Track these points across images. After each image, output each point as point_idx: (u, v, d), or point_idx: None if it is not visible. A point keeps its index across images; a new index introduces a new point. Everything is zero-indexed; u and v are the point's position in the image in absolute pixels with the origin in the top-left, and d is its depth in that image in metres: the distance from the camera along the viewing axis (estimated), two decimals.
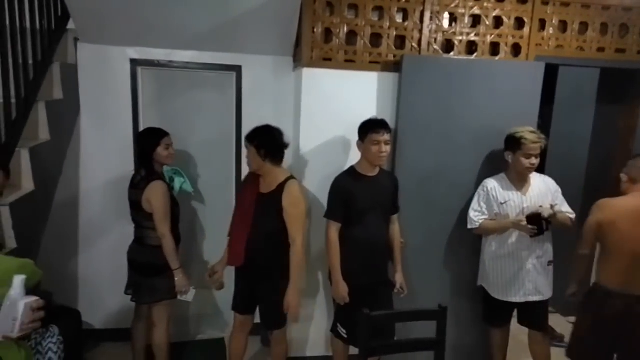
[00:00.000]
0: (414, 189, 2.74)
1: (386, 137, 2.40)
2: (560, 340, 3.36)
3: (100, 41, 2.84)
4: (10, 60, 2.19)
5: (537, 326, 2.68)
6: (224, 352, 3.09)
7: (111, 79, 2.92)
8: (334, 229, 2.47)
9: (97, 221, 3.06)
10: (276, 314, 2.51)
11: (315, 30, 2.70)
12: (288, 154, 3.14)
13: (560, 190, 2.62)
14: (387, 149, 2.42)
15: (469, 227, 2.63)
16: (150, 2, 2.59)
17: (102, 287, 3.10)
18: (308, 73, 2.74)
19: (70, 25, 2.83)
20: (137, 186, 2.51)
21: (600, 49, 3.04)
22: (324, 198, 2.56)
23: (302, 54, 2.74)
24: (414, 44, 2.82)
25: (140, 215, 2.52)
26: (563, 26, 3.00)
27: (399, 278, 2.63)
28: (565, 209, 2.58)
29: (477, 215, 2.61)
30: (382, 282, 2.57)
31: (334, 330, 2.63)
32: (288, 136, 3.10)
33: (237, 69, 3.07)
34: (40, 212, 2.59)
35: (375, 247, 2.51)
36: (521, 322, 2.72)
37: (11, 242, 2.06)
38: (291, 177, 2.45)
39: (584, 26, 3.01)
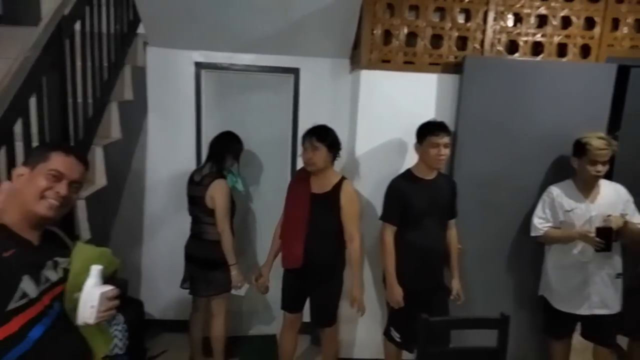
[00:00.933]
0: (473, 193, 2.68)
1: (445, 139, 2.36)
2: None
3: (168, 45, 2.98)
4: (89, 63, 2.34)
5: (603, 341, 2.54)
6: (275, 348, 3.14)
7: (177, 81, 3.06)
8: (390, 231, 2.46)
9: (160, 215, 3.21)
10: (329, 312, 2.55)
11: (374, 32, 2.70)
12: (343, 155, 3.18)
13: (632, 199, 2.47)
14: (446, 152, 2.38)
15: (532, 234, 2.53)
16: (214, 8, 2.68)
17: (163, 278, 3.23)
18: (366, 75, 2.74)
19: (140, 30, 2.99)
20: (200, 182, 2.60)
21: None
22: (378, 201, 2.56)
23: (360, 55, 2.74)
24: (476, 45, 2.75)
25: (200, 211, 2.61)
26: (639, 25, 2.82)
27: (455, 284, 2.57)
28: (637, 220, 2.43)
29: (541, 223, 2.50)
30: (437, 287, 2.52)
31: (386, 333, 2.61)
32: (343, 138, 3.15)
33: (295, 72, 3.12)
34: (111, 205, 2.75)
35: (431, 252, 2.47)
36: (585, 336, 2.58)
37: (86, 234, 2.19)
38: (344, 177, 2.50)
39: None
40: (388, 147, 2.81)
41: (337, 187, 2.44)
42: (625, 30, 2.79)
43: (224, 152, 2.66)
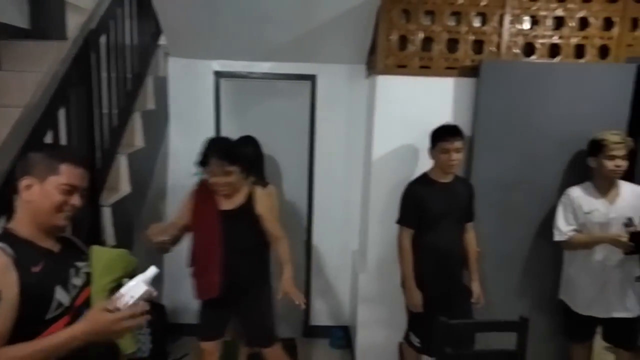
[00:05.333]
0: (491, 196, 2.67)
1: (457, 144, 2.36)
2: None
3: (188, 55, 3.06)
4: (114, 75, 2.42)
5: (624, 345, 2.50)
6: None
7: (196, 90, 3.14)
8: (407, 235, 2.47)
9: None
10: (267, 329, 2.43)
11: (390, 37, 2.72)
12: (359, 160, 3.22)
13: None
14: (457, 156, 2.37)
15: (557, 239, 2.49)
16: (234, 19, 2.75)
17: (184, 283, 3.28)
18: (382, 80, 2.76)
19: (161, 41, 3.08)
20: None
21: None
22: (395, 205, 2.55)
23: (376, 61, 2.77)
24: (492, 48, 2.75)
25: None
26: None
27: (475, 287, 2.57)
28: None
29: (566, 227, 2.45)
30: (458, 290, 2.52)
31: (406, 338, 2.62)
32: (359, 143, 3.18)
33: (312, 78, 3.17)
34: (134, 211, 2.82)
35: (448, 255, 2.47)
36: (606, 339, 2.55)
37: (111, 239, 2.27)
38: (253, 184, 2.33)
39: None
40: (405, 151, 2.83)
41: (250, 197, 2.27)
42: None
43: (260, 159, 2.76)
